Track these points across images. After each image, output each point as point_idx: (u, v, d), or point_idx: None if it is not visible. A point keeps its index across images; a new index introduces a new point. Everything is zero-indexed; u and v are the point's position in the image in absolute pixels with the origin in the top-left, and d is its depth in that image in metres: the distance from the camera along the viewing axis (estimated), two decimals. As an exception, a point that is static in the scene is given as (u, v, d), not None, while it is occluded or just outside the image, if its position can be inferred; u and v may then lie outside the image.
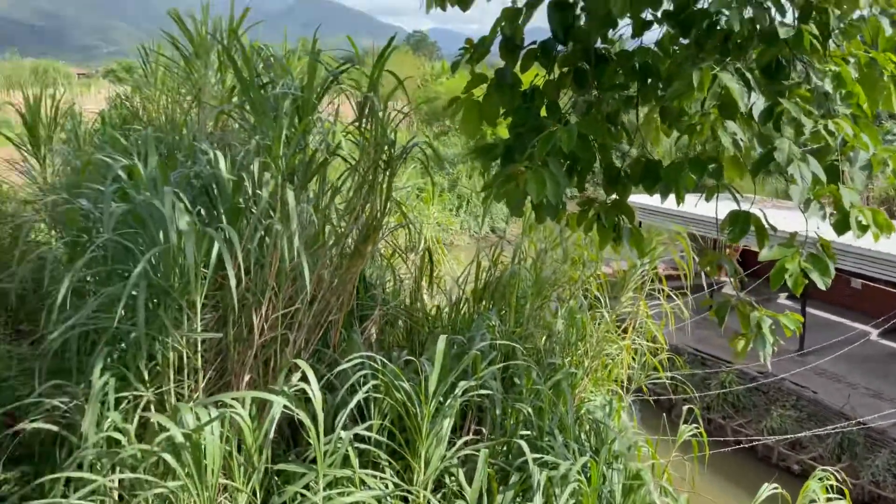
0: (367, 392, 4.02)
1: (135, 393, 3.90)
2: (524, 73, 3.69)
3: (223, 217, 4.48)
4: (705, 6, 3.12)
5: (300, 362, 3.86)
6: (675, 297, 6.59)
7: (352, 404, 3.85)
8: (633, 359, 6.35)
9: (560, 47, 3.58)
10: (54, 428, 3.71)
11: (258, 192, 4.37)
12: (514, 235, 13.57)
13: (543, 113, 3.61)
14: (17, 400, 4.30)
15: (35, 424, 3.69)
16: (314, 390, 3.64)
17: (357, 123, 4.80)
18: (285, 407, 3.66)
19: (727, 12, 2.87)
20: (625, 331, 6.41)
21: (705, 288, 8.72)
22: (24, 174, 8.47)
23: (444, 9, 3.64)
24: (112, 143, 5.94)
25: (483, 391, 4.41)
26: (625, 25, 3.46)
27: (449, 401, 4.09)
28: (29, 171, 8.33)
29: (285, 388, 3.78)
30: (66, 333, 3.95)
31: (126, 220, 4.41)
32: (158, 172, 4.52)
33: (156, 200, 4.10)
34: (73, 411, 3.80)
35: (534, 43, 3.62)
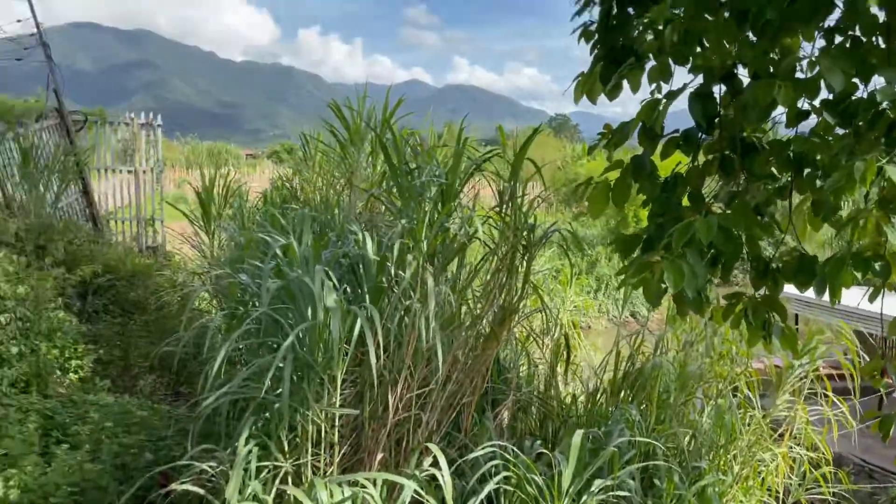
0: (497, 483, 3.92)
1: (275, 463, 4.05)
2: (665, 160, 3.62)
3: (366, 296, 4.67)
4: (865, 95, 2.94)
5: (432, 446, 3.85)
6: (838, 401, 5.97)
7: (482, 495, 3.76)
8: (791, 468, 5.76)
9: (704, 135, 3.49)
10: (201, 491, 3.91)
11: (400, 272, 4.53)
12: (658, 321, 13.01)
13: (686, 202, 3.50)
14: (172, 460, 4.61)
15: (185, 486, 3.90)
16: (445, 477, 3.61)
17: (497, 209, 4.89)
18: (415, 491, 3.65)
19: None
20: (780, 436, 5.86)
21: (878, 390, 7.83)
22: (195, 247, 9.32)
23: (593, 102, 3.68)
24: (272, 221, 6.42)
25: (620, 492, 4.17)
26: (778, 114, 3.32)
27: (583, 499, 3.90)
28: (199, 244, 9.17)
29: (416, 473, 3.78)
30: (219, 400, 4.21)
31: (279, 295, 4.70)
32: (311, 251, 4.82)
33: (307, 278, 4.35)
34: (219, 476, 4.00)
35: (676, 131, 3.55)
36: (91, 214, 11.18)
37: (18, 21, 10.26)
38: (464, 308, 5.12)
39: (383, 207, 5.74)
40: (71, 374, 6.67)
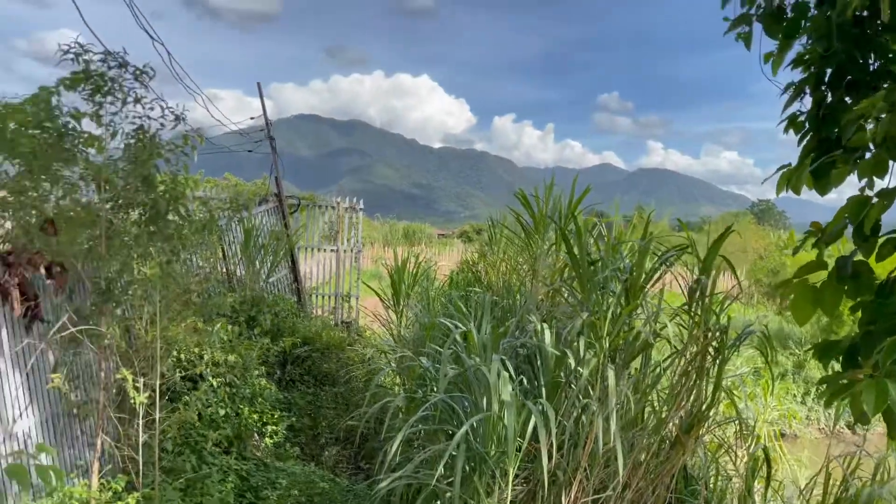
0: None
1: (443, 556, 3.99)
2: (882, 261, 3.20)
3: (542, 389, 4.57)
4: None
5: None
6: None
7: None
8: None
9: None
10: (370, 575, 3.93)
11: (579, 368, 4.38)
12: (881, 436, 11.30)
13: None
14: (345, 537, 4.72)
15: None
16: None
17: (686, 307, 4.61)
18: None
19: None
20: None
21: None
22: (384, 324, 9.79)
23: (798, 194, 3.39)
24: (454, 305, 6.58)
25: None
26: None
27: None
28: (388, 322, 9.61)
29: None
30: (393, 483, 4.27)
31: (456, 382, 4.75)
32: (490, 339, 4.84)
33: (484, 367, 4.36)
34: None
35: (894, 231, 3.14)
36: (296, 289, 12.23)
37: (252, 118, 11.84)
38: (647, 410, 4.82)
39: (564, 298, 5.65)
40: (267, 438, 7.17)
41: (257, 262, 10.24)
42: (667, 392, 4.81)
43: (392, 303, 9.83)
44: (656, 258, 4.73)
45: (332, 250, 13.65)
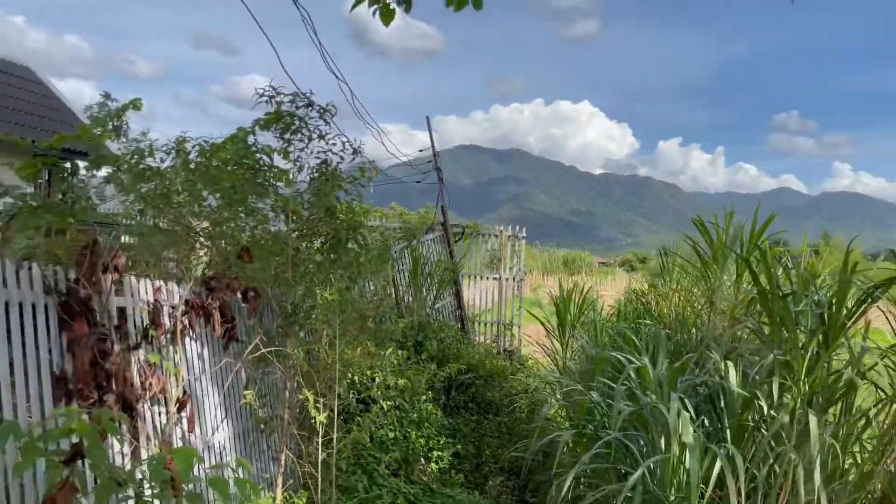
0: None
1: None
2: None
3: (727, 432, 4.23)
4: None
5: None
6: None
7: None
8: None
9: None
10: None
11: (772, 413, 4.01)
12: None
13: None
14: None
15: None
16: None
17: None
18: None
19: None
20: None
21: None
22: (548, 354, 9.64)
23: None
24: (624, 338, 6.33)
25: None
26: None
27: None
28: (552, 352, 9.45)
29: None
30: (563, 524, 4.13)
31: (630, 420, 4.53)
32: (666, 375, 4.59)
33: (661, 405, 4.12)
34: None
35: None
36: (460, 316, 12.42)
37: (420, 151, 12.33)
38: (848, 461, 4.30)
39: (754, 332, 5.23)
40: (432, 463, 7.27)
41: (424, 289, 10.53)
42: (871, 443, 4.28)
43: (556, 333, 9.65)
44: (859, 291, 4.25)
45: (494, 278, 13.74)
